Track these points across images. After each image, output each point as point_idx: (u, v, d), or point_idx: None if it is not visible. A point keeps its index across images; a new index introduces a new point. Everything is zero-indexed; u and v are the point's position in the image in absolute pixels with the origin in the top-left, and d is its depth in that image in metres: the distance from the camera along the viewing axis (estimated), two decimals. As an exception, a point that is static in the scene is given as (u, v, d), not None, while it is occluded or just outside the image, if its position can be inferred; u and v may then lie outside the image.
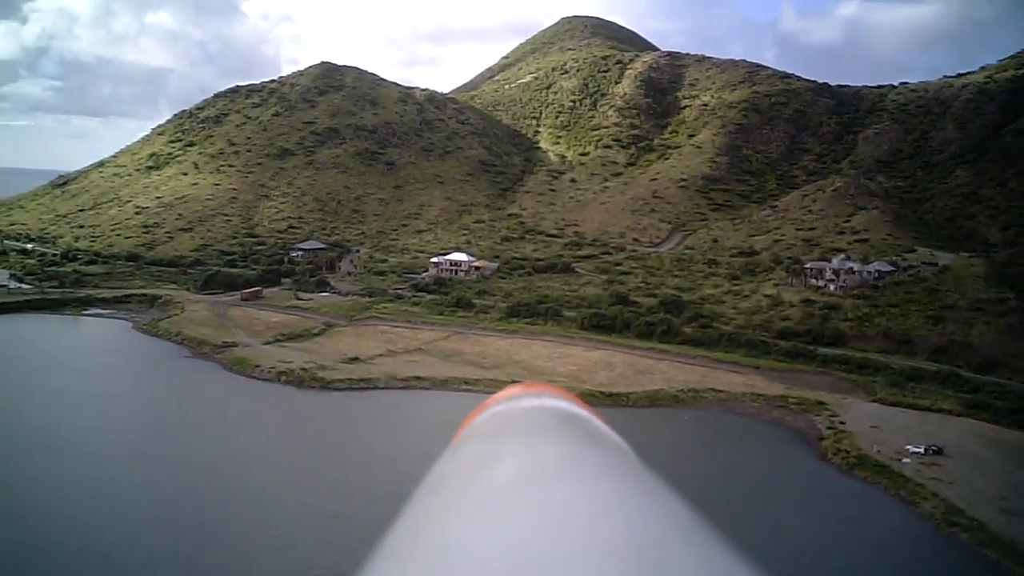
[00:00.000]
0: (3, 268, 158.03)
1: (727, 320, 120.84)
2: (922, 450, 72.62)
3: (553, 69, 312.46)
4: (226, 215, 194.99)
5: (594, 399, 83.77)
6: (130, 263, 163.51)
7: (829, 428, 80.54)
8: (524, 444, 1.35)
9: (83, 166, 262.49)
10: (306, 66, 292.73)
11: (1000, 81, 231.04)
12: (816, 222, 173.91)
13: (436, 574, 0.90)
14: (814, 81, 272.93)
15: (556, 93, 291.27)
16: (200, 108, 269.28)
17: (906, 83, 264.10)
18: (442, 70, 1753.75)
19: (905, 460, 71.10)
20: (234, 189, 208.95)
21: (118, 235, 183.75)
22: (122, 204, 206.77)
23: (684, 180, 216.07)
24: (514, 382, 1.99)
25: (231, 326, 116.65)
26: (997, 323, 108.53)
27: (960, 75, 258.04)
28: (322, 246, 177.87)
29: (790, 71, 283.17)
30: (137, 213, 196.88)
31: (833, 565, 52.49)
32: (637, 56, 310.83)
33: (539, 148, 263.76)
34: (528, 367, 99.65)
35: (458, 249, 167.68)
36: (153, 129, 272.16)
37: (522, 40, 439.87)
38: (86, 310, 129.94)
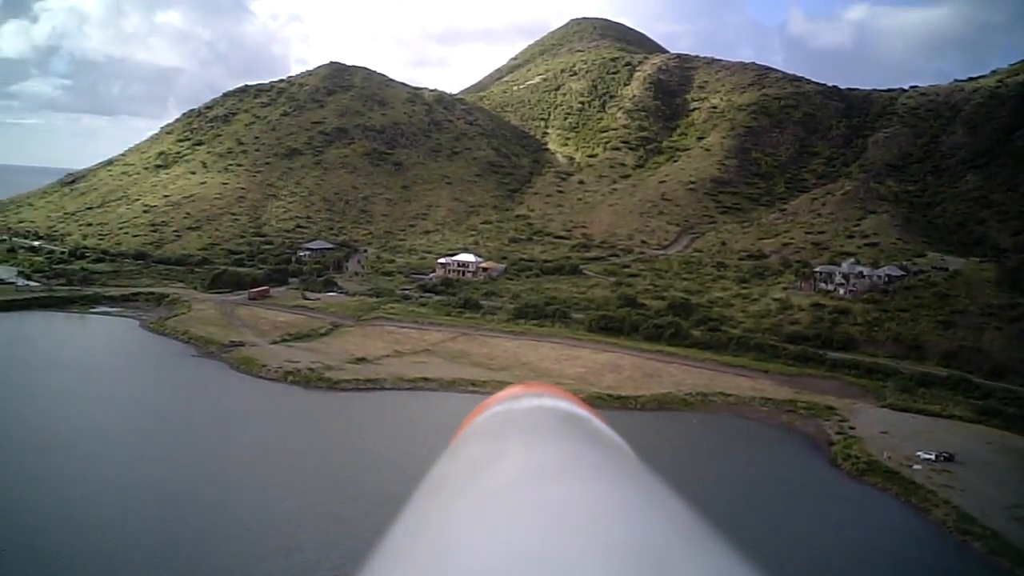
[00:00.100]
0: (11, 265, 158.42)
1: (736, 323, 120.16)
2: (933, 456, 71.86)
3: (562, 70, 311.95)
4: (234, 214, 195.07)
5: (602, 402, 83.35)
6: (138, 261, 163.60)
7: (839, 433, 79.86)
8: (524, 444, 1.35)
9: (92, 164, 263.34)
10: (315, 66, 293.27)
11: (1012, 85, 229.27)
12: (825, 226, 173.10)
13: (436, 574, 0.90)
14: (823, 84, 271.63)
15: (565, 95, 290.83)
16: (209, 107, 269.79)
17: (916, 87, 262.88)
18: (451, 71, 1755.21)
19: (916, 466, 70.34)
20: (242, 188, 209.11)
21: (126, 233, 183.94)
22: (130, 202, 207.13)
23: (693, 182, 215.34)
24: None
25: (238, 325, 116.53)
26: (1008, 329, 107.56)
27: (971, 79, 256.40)
28: (329, 246, 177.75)
29: (799, 74, 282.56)
30: (145, 211, 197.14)
31: (844, 572, 51.89)
32: (646, 58, 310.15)
33: (547, 149, 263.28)
34: (536, 369, 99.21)
35: (466, 250, 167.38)
36: (162, 128, 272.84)
37: (531, 41, 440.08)
38: (93, 308, 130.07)
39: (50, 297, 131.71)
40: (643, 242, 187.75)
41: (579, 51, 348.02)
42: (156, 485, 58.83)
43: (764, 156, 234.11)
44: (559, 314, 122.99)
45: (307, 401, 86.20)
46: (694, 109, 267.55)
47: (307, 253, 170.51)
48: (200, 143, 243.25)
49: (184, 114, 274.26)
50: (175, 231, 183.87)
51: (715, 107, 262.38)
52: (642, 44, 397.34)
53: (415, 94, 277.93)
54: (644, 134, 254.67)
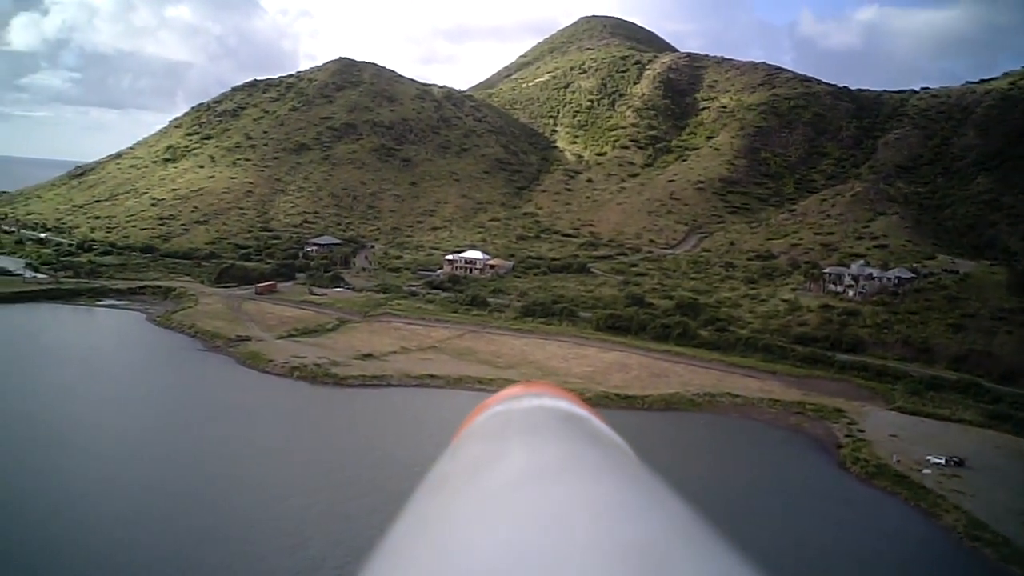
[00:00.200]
0: (19, 257, 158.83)
1: (744, 324, 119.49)
2: (943, 461, 71.19)
3: (571, 68, 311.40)
4: (242, 208, 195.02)
5: (609, 401, 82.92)
6: (145, 255, 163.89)
7: (847, 436, 79.17)
8: (524, 444, 1.35)
9: (100, 157, 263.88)
10: (324, 61, 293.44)
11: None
12: (835, 227, 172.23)
13: (436, 574, 0.90)
14: (834, 85, 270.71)
15: (574, 92, 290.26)
16: (218, 102, 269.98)
17: (927, 88, 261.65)
18: (460, 68, 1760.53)
19: (925, 471, 69.70)
20: (250, 183, 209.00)
21: (133, 226, 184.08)
22: (138, 196, 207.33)
23: (701, 182, 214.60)
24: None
25: (245, 320, 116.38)
26: (1019, 333, 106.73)
27: (982, 81, 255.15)
28: (337, 241, 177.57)
29: (809, 75, 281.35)
30: (153, 205, 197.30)
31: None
32: (656, 57, 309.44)
33: (556, 147, 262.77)
34: (543, 367, 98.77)
35: (473, 247, 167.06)
36: (170, 122, 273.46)
37: (540, 39, 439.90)
38: (100, 301, 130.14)
39: (57, 289, 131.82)
40: (651, 241, 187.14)
41: (589, 49, 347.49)
42: (160, 481, 58.61)
43: (773, 156, 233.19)
44: (566, 312, 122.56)
45: (313, 397, 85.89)
46: (703, 108, 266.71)
47: (314, 248, 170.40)
48: (208, 137, 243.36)
49: (193, 108, 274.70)
50: (183, 225, 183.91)
51: (724, 107, 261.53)
52: (652, 43, 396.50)
53: (424, 90, 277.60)
54: (653, 133, 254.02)
